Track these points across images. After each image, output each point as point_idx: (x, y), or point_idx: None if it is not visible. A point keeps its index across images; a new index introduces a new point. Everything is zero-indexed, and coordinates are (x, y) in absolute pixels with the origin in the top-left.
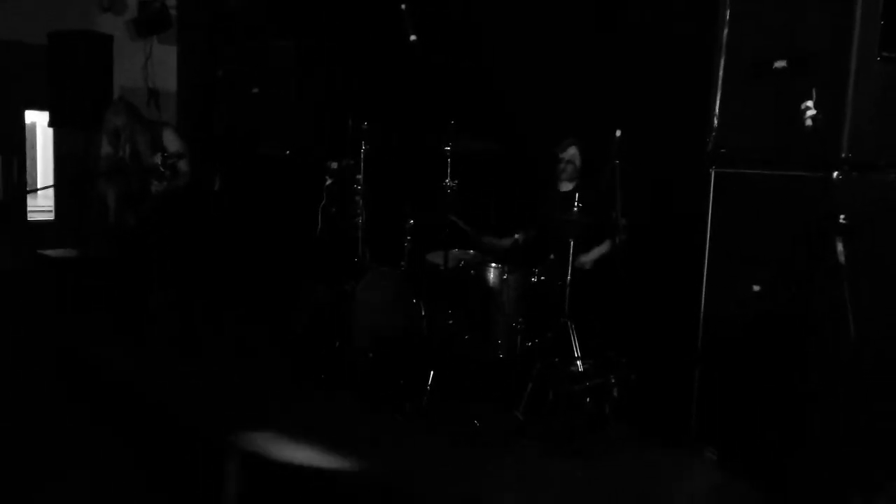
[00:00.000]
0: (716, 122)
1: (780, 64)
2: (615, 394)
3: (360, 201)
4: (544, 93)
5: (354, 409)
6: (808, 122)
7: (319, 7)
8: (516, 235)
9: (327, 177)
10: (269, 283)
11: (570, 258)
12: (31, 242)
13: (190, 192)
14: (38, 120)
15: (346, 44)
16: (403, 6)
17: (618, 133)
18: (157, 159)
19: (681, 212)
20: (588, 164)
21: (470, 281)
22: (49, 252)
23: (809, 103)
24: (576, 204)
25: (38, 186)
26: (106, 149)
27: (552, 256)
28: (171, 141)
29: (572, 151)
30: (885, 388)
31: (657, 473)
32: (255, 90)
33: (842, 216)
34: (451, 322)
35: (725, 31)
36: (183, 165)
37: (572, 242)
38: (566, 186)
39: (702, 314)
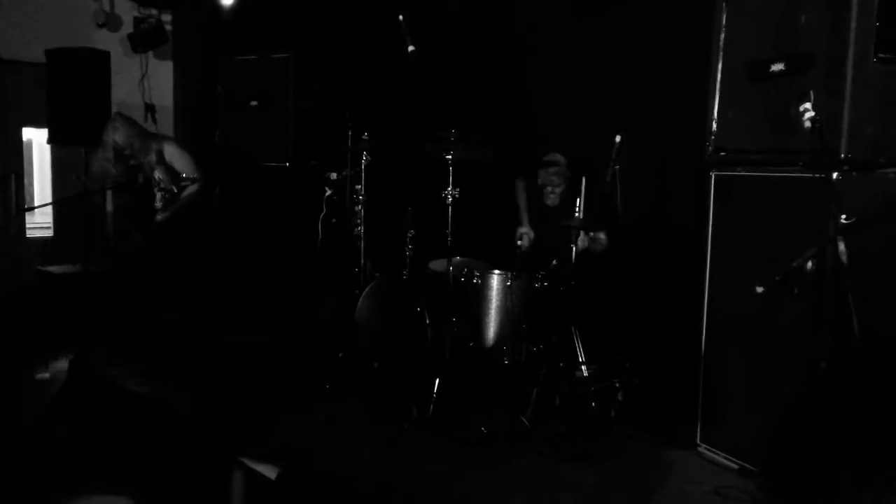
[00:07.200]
0: (714, 125)
1: (777, 66)
2: (620, 397)
3: (361, 211)
4: (542, 99)
5: (361, 418)
6: (807, 124)
7: (315, 19)
8: (518, 242)
9: (327, 188)
10: (273, 295)
11: (573, 263)
12: (30, 258)
13: (192, 207)
14: (34, 137)
15: (343, 54)
16: (401, 17)
17: (618, 138)
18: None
19: (683, 214)
20: (588, 168)
21: (474, 288)
22: (51, 268)
23: (808, 105)
24: (577, 210)
25: (37, 204)
26: (105, 165)
27: (555, 262)
28: (174, 155)
29: (553, 177)
30: (890, 386)
31: (664, 475)
32: (254, 103)
33: (843, 216)
34: (455, 329)
35: (722, 34)
36: (192, 188)
37: (574, 248)
38: (551, 202)
39: (705, 316)
